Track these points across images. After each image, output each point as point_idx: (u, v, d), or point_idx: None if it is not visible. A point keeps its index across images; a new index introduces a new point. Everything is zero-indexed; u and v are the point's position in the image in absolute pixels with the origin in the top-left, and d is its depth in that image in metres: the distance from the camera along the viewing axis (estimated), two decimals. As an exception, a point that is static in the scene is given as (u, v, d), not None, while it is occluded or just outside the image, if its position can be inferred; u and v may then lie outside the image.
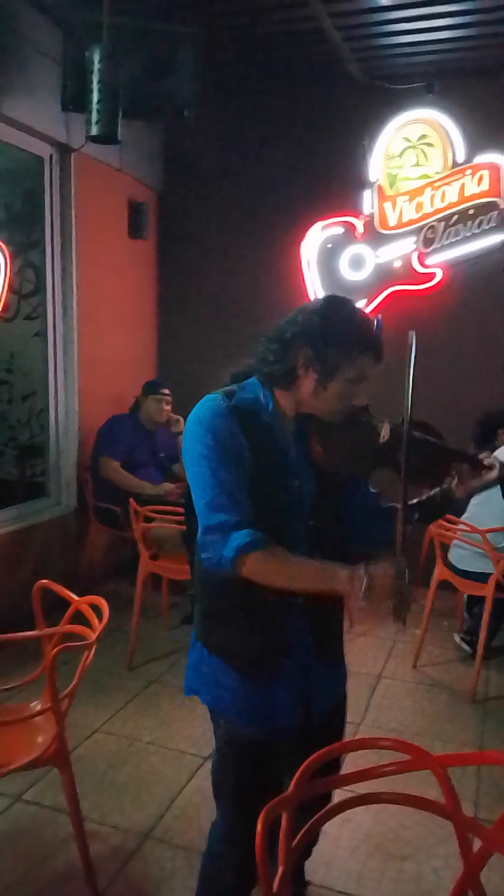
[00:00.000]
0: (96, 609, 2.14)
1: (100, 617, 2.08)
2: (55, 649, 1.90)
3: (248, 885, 1.71)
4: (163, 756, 2.89)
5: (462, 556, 3.66)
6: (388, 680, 3.63)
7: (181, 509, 3.65)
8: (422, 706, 3.39)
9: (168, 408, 4.47)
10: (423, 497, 1.71)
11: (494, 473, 1.68)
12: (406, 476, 1.47)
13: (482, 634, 3.47)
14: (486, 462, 1.67)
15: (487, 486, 1.73)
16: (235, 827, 1.68)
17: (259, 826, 1.21)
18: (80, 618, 2.15)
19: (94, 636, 2.00)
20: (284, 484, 1.56)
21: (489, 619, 3.50)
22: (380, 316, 1.57)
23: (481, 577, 3.51)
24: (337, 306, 1.56)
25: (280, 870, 1.27)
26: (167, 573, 3.81)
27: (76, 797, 2.05)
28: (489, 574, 3.46)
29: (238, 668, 1.58)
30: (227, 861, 1.70)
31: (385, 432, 1.57)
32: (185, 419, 4.49)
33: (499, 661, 3.79)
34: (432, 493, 1.71)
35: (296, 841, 1.34)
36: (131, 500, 3.70)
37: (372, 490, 1.77)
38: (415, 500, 1.70)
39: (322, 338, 1.50)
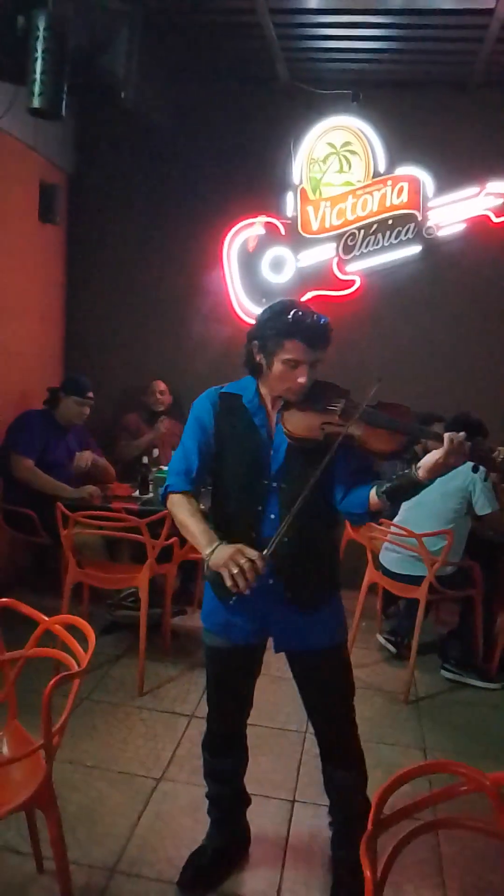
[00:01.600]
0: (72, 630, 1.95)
1: (84, 647, 1.88)
2: (55, 678, 1.69)
3: (217, 767, 2.23)
4: (110, 781, 2.70)
5: (394, 559, 3.72)
6: (321, 685, 3.60)
7: (106, 513, 3.52)
8: (360, 710, 3.35)
9: (88, 412, 4.21)
10: (392, 479, 1.82)
11: (443, 449, 1.71)
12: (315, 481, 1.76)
13: (415, 636, 3.54)
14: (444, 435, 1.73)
15: (448, 467, 1.73)
16: (209, 714, 2.17)
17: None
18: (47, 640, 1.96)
19: (80, 664, 1.81)
20: (253, 452, 1.93)
21: (412, 620, 3.60)
22: (326, 317, 1.89)
23: (414, 581, 3.60)
24: (279, 303, 1.91)
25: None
26: (95, 581, 3.58)
27: (62, 838, 1.85)
28: (422, 577, 3.55)
29: (212, 587, 1.91)
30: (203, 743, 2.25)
31: (339, 409, 1.90)
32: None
33: (422, 661, 3.89)
34: (399, 474, 1.81)
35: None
36: (59, 504, 3.44)
37: (365, 463, 1.93)
38: (385, 484, 1.83)
39: (262, 328, 1.89)
